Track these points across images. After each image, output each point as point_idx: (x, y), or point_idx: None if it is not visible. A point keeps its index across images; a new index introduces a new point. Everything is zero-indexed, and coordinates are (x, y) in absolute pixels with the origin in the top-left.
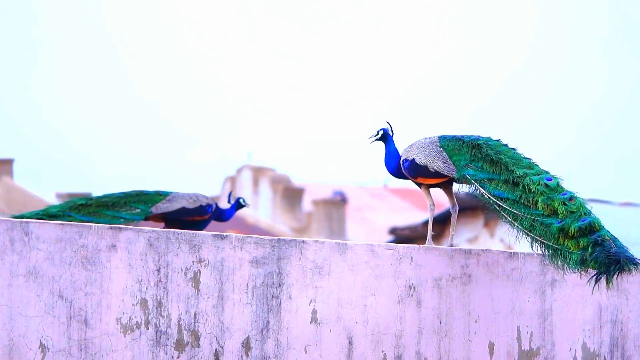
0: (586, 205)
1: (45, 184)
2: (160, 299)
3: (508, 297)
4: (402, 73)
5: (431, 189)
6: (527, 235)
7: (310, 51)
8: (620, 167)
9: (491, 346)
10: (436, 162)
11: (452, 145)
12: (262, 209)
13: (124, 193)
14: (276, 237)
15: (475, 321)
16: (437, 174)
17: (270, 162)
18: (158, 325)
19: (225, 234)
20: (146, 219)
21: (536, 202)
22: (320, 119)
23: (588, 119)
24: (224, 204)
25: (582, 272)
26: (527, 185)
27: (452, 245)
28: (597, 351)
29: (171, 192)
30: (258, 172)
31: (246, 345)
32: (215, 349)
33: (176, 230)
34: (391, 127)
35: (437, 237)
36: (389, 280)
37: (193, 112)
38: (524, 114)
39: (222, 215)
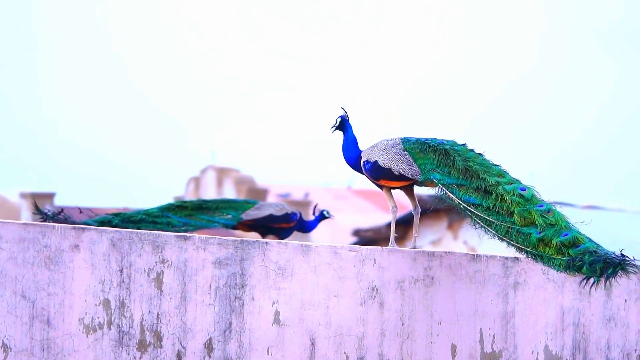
0: (565, 218)
1: (9, 183)
2: (123, 299)
3: (471, 299)
4: (376, 74)
5: (393, 191)
6: (502, 239)
7: (277, 50)
8: (584, 170)
9: (453, 348)
10: (401, 165)
11: (417, 148)
12: None
13: (216, 199)
14: (239, 238)
15: (438, 323)
16: (401, 177)
17: (234, 162)
18: (121, 326)
19: (188, 234)
20: (236, 226)
21: (511, 213)
22: (285, 120)
23: (558, 122)
24: (309, 216)
25: (570, 274)
26: (501, 195)
27: (415, 247)
28: (560, 354)
29: (258, 201)
30: (222, 173)
31: (208, 346)
32: (178, 350)
33: (139, 230)
34: (346, 113)
35: (401, 238)
36: (351, 281)
37: (156, 112)
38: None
39: (304, 226)
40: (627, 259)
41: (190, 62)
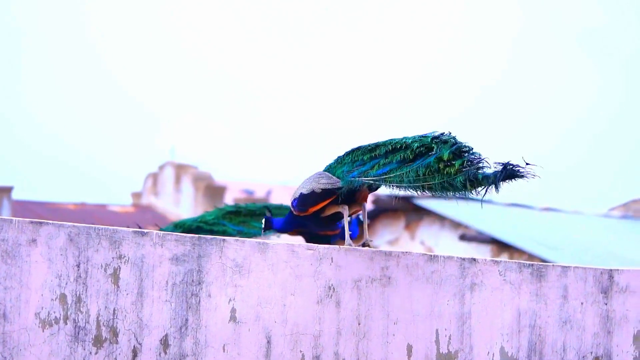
0: (457, 137)
1: None
2: (79, 294)
3: (427, 299)
4: (339, 71)
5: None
6: (414, 186)
7: (235, 46)
8: (549, 176)
9: (409, 348)
10: (321, 181)
11: (334, 163)
12: (183, 206)
13: (268, 204)
14: (197, 235)
15: (394, 323)
16: (324, 193)
17: (193, 158)
18: (77, 321)
19: (145, 230)
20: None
21: (413, 152)
22: (245, 118)
23: (521, 125)
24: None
25: (471, 192)
26: (404, 143)
27: (367, 239)
28: (515, 355)
29: None
30: (180, 170)
31: (164, 343)
32: (134, 346)
33: (97, 226)
34: (269, 212)
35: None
36: (308, 280)
37: (116, 106)
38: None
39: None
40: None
41: (164, 51)
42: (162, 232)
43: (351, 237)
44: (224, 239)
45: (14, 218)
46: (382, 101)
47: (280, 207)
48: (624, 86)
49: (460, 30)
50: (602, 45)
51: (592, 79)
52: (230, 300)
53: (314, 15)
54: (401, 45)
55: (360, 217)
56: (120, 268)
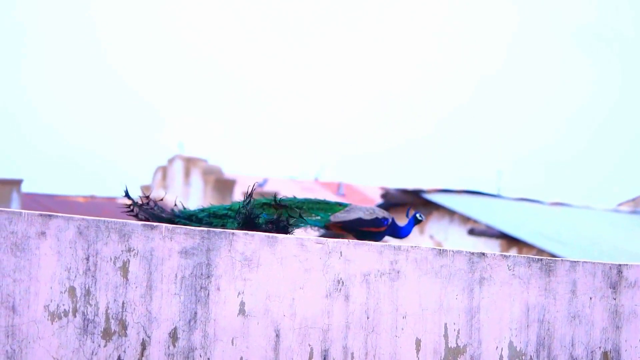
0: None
1: None
2: (88, 287)
3: (436, 293)
4: (339, 69)
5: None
6: None
7: (236, 46)
8: (551, 169)
9: (418, 342)
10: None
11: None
12: (192, 200)
13: (307, 199)
14: (206, 229)
15: (403, 317)
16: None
17: (202, 153)
18: (86, 314)
19: (155, 224)
20: (325, 227)
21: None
22: (253, 111)
23: (530, 122)
24: (402, 219)
25: None
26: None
27: None
28: (524, 350)
29: (350, 204)
30: (189, 163)
31: (173, 336)
32: (143, 339)
33: (106, 219)
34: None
35: None
36: (317, 274)
37: (125, 99)
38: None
39: (397, 232)
40: None
41: (170, 48)
42: (171, 225)
43: (404, 236)
44: (233, 232)
45: (23, 211)
46: (382, 100)
47: (319, 202)
48: (621, 80)
49: (458, 28)
50: (597, 39)
51: (589, 73)
52: (239, 293)
53: (314, 15)
54: (401, 45)
55: (418, 215)
56: (129, 261)
